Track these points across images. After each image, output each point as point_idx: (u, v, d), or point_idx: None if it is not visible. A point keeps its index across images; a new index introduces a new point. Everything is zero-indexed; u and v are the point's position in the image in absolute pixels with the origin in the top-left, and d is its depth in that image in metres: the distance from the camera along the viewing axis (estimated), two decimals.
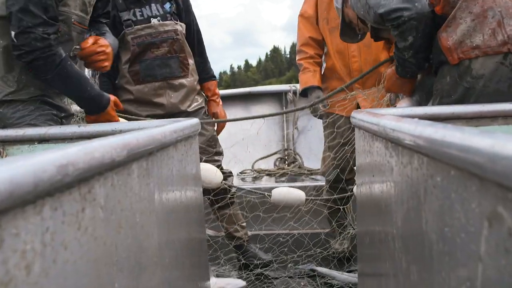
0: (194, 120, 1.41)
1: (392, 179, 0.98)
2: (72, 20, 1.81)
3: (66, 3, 1.78)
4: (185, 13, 2.58)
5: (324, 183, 2.99)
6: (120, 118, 2.07)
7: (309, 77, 2.65)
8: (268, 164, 4.48)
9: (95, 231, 0.70)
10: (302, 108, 2.68)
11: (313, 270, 2.61)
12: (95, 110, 1.84)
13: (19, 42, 1.62)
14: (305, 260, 2.66)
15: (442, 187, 0.64)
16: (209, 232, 3.00)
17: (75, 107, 2.39)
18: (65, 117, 1.91)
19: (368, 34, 2.48)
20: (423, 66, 1.85)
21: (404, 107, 1.82)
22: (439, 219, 0.67)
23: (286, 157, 4.55)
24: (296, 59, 2.79)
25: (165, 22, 2.48)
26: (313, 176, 4.01)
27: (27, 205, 0.52)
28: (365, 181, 1.38)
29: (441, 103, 1.69)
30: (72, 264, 0.62)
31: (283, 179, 4.08)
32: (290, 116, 4.67)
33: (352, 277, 2.47)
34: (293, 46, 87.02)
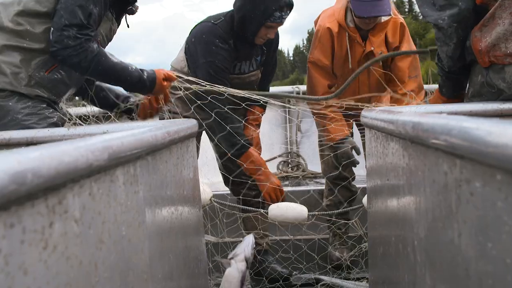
0: (191, 121, 1.30)
1: (412, 184, 0.86)
2: (99, 38, 1.86)
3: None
4: (272, 53, 2.59)
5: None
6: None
7: (341, 128, 2.52)
8: (271, 168, 4.34)
9: (67, 249, 0.59)
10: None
11: (318, 279, 2.49)
12: (143, 92, 1.99)
13: (53, 39, 1.66)
14: (305, 267, 2.54)
15: (484, 194, 0.53)
16: (210, 238, 2.88)
17: (75, 110, 2.33)
18: (63, 123, 1.89)
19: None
20: (468, 74, 1.67)
21: None
22: (479, 233, 0.56)
23: (289, 161, 4.43)
24: (315, 108, 2.64)
25: (252, 72, 2.50)
26: (317, 180, 3.89)
27: None
28: (377, 185, 1.27)
29: (471, 101, 1.56)
30: None
31: (286, 183, 3.96)
32: (294, 118, 4.55)
33: (360, 286, 2.35)
34: (296, 49, 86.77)
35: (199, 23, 2.46)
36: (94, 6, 1.69)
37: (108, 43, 1.97)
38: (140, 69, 1.89)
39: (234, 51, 2.35)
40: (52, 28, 1.67)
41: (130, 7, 2.05)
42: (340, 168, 2.55)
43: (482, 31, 1.47)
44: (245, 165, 2.29)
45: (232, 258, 1.83)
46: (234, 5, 2.34)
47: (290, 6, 2.32)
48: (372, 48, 2.47)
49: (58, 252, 0.57)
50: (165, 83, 1.99)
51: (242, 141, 2.27)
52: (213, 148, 2.55)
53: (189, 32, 2.48)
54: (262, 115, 2.62)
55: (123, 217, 0.79)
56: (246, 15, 2.27)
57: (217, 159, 2.57)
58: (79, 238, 0.62)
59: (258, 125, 2.65)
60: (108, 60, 1.76)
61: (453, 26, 1.51)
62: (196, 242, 1.48)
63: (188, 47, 2.39)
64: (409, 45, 2.53)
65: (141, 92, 1.99)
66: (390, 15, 2.41)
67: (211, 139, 2.42)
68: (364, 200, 2.18)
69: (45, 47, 1.73)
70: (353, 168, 2.73)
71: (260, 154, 2.58)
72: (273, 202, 2.30)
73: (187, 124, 1.26)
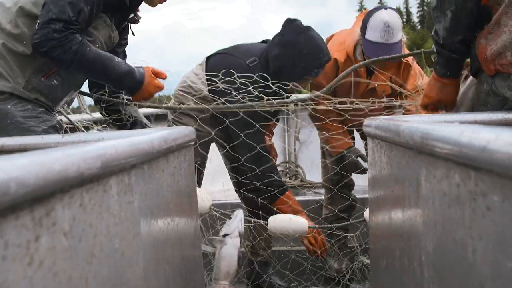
0: (188, 129, 1.27)
1: (419, 196, 0.83)
2: (97, 45, 1.83)
3: (96, 27, 1.82)
4: None
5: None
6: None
7: (343, 139, 2.52)
8: None
9: (55, 264, 0.55)
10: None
11: None
12: (134, 87, 1.88)
13: (38, 31, 1.64)
14: (304, 279, 2.49)
15: (503, 208, 0.50)
16: (207, 248, 2.82)
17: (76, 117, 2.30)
18: (60, 128, 1.87)
19: None
20: (464, 54, 1.57)
21: None
22: (496, 250, 0.52)
23: (287, 170, 4.39)
24: (318, 125, 2.64)
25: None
26: (315, 190, 3.86)
27: None
28: (380, 196, 1.23)
29: (476, 110, 1.52)
30: None
31: None
32: (292, 127, 4.53)
33: None
34: None
35: (226, 53, 2.37)
36: (85, 4, 1.67)
37: (107, 51, 1.94)
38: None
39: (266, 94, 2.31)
40: (38, 21, 1.64)
41: (132, 16, 2.02)
42: (342, 174, 2.54)
43: (487, 39, 1.42)
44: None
45: (226, 235, 1.78)
46: (270, 51, 2.27)
47: (328, 61, 2.32)
48: (376, 85, 2.45)
49: (45, 268, 0.53)
50: (156, 81, 1.92)
51: (282, 188, 2.24)
52: (222, 155, 2.52)
53: (206, 57, 2.39)
54: (274, 127, 2.62)
55: (116, 229, 0.75)
56: (285, 66, 2.22)
57: (226, 164, 2.53)
58: (68, 252, 0.58)
59: (272, 134, 2.65)
60: (92, 50, 1.72)
61: None
62: (193, 253, 1.44)
63: (216, 79, 2.28)
64: (415, 80, 2.48)
65: (129, 86, 1.89)
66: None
67: (223, 147, 2.38)
68: (366, 214, 2.13)
69: None
70: (353, 178, 2.71)
71: (276, 159, 2.58)
72: (314, 249, 2.24)
73: (185, 132, 1.23)
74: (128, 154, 0.77)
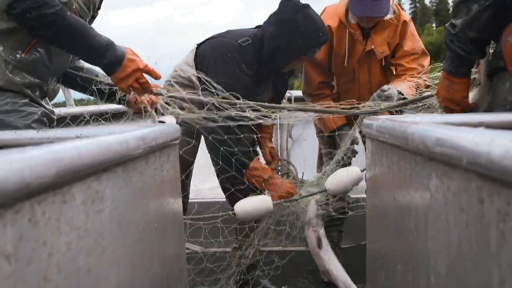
0: (172, 126, 1.16)
1: (428, 209, 0.73)
2: (74, 7, 1.66)
3: None
4: (289, 76, 2.53)
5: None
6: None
7: (335, 117, 2.45)
8: None
9: None
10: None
11: None
12: (113, 61, 1.63)
13: None
14: (297, 281, 2.41)
15: None
16: (195, 248, 2.73)
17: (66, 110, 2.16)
18: (50, 121, 1.74)
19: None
20: (472, 53, 1.49)
21: None
22: None
23: (279, 168, 4.29)
24: (310, 101, 2.57)
25: (266, 93, 2.39)
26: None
27: None
28: (380, 203, 1.13)
29: (494, 111, 1.42)
30: None
31: None
32: (284, 124, 4.42)
33: None
34: None
35: (218, 37, 2.29)
36: None
37: (89, 17, 1.78)
38: None
39: (256, 76, 2.20)
40: None
41: None
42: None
43: None
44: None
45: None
46: (266, 30, 2.19)
47: (326, 41, 2.23)
48: (373, 47, 2.38)
49: None
50: (138, 59, 1.69)
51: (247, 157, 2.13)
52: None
53: (199, 42, 2.31)
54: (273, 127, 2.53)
55: (79, 244, 0.64)
56: (281, 46, 2.14)
57: (212, 160, 2.44)
58: (12, 279, 0.48)
59: (271, 138, 2.57)
60: (72, 15, 1.54)
61: None
62: (177, 261, 1.34)
63: (205, 61, 2.20)
64: (412, 42, 2.42)
65: (109, 60, 1.63)
66: (386, 16, 2.31)
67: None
68: None
69: (16, 26, 1.54)
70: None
71: (277, 163, 2.48)
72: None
73: (168, 130, 1.12)
74: (96, 158, 0.67)
